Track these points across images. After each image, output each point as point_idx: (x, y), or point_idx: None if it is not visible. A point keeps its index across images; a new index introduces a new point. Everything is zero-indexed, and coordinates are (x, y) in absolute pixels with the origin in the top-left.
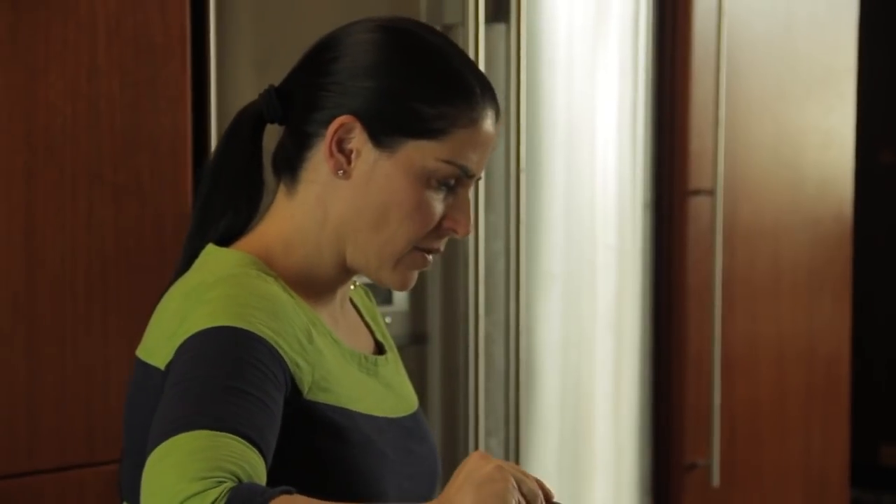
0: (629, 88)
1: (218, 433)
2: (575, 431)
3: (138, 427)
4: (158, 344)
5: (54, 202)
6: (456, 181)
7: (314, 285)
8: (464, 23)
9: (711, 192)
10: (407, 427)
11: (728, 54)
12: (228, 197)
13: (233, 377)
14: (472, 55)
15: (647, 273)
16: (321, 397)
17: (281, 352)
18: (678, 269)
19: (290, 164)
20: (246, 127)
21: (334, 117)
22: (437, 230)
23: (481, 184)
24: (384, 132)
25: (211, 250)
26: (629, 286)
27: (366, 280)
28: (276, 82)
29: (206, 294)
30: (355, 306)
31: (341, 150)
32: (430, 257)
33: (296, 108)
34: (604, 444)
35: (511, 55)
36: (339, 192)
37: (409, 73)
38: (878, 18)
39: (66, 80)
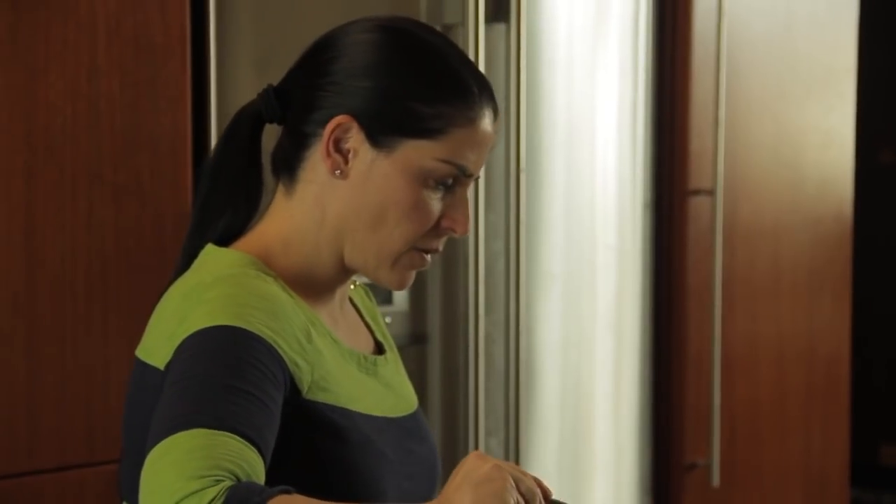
0: (629, 88)
1: (217, 432)
2: (575, 431)
3: (138, 427)
4: (158, 344)
5: (54, 202)
6: (454, 181)
7: (313, 285)
8: (464, 23)
9: (711, 192)
10: (407, 427)
11: (728, 54)
12: (227, 197)
13: (232, 376)
14: (472, 55)
15: (647, 273)
16: (320, 397)
17: (280, 351)
18: (678, 269)
19: (288, 164)
20: (245, 127)
21: (331, 117)
22: (436, 230)
23: (481, 184)
24: (382, 132)
25: (210, 250)
26: (629, 286)
27: (366, 280)
28: (276, 82)
29: (205, 294)
30: (355, 306)
31: (338, 149)
32: (429, 257)
33: (294, 108)
34: (604, 444)
35: (511, 55)
36: (337, 192)
37: (406, 72)
38: (878, 18)
39: (66, 80)
